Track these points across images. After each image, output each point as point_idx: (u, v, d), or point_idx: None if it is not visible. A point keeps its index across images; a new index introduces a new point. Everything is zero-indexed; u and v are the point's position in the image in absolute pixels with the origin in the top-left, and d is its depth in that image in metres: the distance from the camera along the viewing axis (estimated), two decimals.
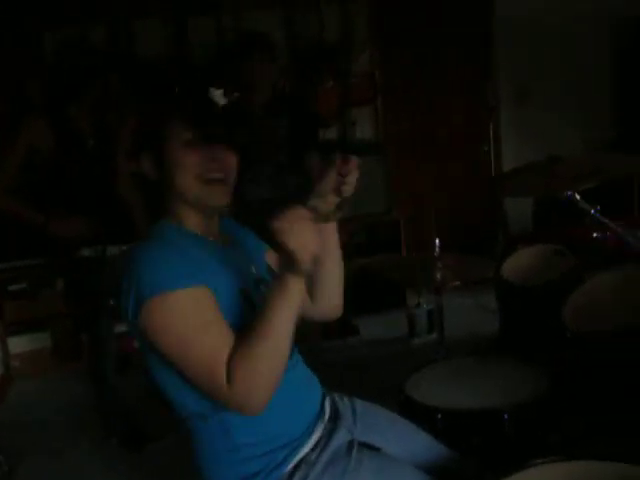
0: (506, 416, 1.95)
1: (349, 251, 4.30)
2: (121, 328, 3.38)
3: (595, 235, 2.59)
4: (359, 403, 1.88)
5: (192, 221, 1.66)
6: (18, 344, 4.68)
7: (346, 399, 1.87)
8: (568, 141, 5.25)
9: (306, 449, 1.65)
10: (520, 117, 5.70)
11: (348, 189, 1.69)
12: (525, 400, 2.00)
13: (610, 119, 5.84)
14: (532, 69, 5.61)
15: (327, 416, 1.76)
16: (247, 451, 1.59)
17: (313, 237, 1.46)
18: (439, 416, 2.00)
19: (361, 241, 4.94)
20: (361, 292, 4.26)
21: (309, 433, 1.67)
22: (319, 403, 1.76)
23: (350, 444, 1.71)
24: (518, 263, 2.69)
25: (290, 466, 1.62)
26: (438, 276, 2.43)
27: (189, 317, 1.47)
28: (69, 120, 3.26)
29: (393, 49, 5.46)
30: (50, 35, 4.59)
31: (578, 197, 2.43)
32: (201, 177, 1.62)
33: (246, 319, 1.55)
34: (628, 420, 1.94)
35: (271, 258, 1.85)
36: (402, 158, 5.46)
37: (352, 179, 1.68)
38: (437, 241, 2.50)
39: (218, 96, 1.67)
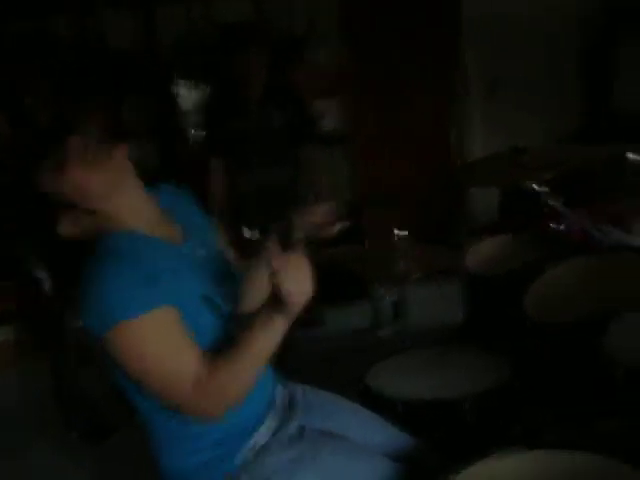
0: (466, 406, 1.95)
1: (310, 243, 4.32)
2: None
3: (558, 226, 2.59)
4: (319, 393, 1.89)
5: (133, 220, 1.58)
6: None
7: (304, 389, 1.88)
8: (534, 133, 5.27)
9: (258, 437, 1.66)
10: (487, 110, 5.71)
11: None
12: (485, 389, 2.00)
13: (576, 112, 5.87)
14: (499, 62, 5.62)
15: (280, 405, 1.76)
16: (199, 441, 1.61)
17: (310, 285, 1.45)
18: (400, 407, 2.00)
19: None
20: (326, 283, 4.23)
21: (261, 421, 1.68)
22: (271, 392, 1.76)
23: (302, 430, 1.72)
24: (481, 253, 2.69)
25: (245, 453, 1.63)
26: (401, 267, 2.42)
27: (153, 342, 1.46)
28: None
29: (360, 40, 5.44)
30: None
31: (542, 188, 2.44)
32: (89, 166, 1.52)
33: (211, 323, 1.58)
34: (585, 410, 1.95)
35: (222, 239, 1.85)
36: (368, 149, 5.45)
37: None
38: (399, 232, 2.48)
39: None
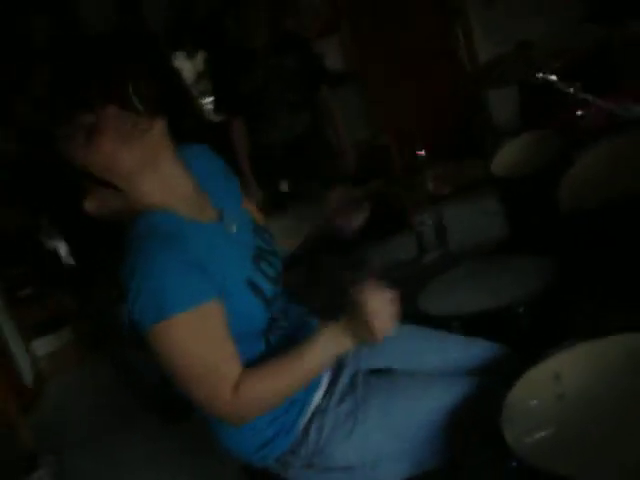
0: (521, 310, 1.94)
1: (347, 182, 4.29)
2: None
3: (580, 113, 2.53)
4: None
5: (169, 199, 1.49)
6: (41, 346, 4.71)
7: None
8: (541, 26, 5.13)
9: (316, 400, 1.64)
10: (490, 16, 5.56)
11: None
12: (536, 290, 1.98)
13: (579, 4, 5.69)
14: None
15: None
16: (257, 421, 1.56)
17: (393, 324, 1.46)
18: (455, 323, 1.98)
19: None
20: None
21: (318, 381, 1.65)
22: None
23: (355, 377, 1.69)
24: (506, 157, 2.63)
25: (303, 422, 1.61)
26: (430, 188, 2.40)
27: (200, 339, 1.41)
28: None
29: None
30: None
31: (555, 78, 2.38)
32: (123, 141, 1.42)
33: (256, 309, 1.53)
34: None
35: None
36: (377, 82, 5.38)
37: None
38: (423, 153, 2.46)
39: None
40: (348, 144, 3.82)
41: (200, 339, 1.40)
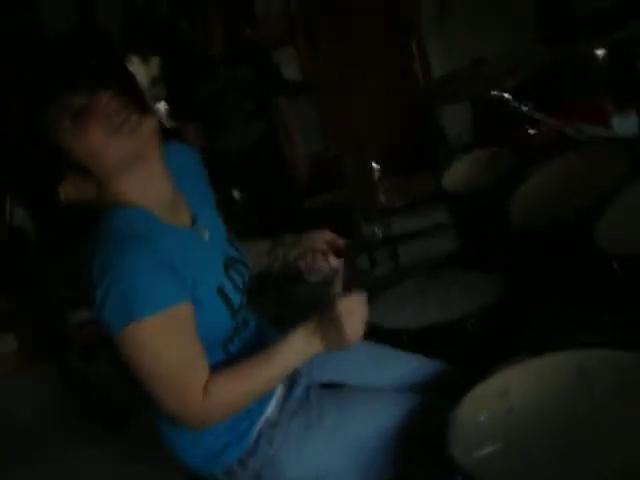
0: (469, 324, 1.95)
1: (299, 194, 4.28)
2: (82, 316, 3.34)
3: (531, 131, 2.56)
4: None
5: (148, 199, 1.45)
6: None
7: None
8: (495, 45, 5.21)
9: (269, 411, 1.61)
10: (443, 30, 5.63)
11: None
12: (485, 305, 1.99)
13: (534, 17, 5.79)
14: None
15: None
16: (210, 429, 1.53)
17: (363, 329, 1.47)
18: (404, 337, 1.99)
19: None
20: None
21: (270, 394, 1.62)
22: None
23: (309, 390, 1.68)
24: (458, 172, 2.66)
25: (255, 433, 1.59)
26: (382, 200, 2.41)
27: (172, 342, 1.37)
28: None
29: None
30: None
31: (507, 95, 2.41)
32: (113, 131, 1.35)
33: (222, 316, 1.51)
34: (588, 308, 1.95)
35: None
36: (332, 93, 5.39)
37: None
38: (375, 166, 2.47)
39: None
40: (302, 155, 3.81)
41: (170, 342, 1.37)
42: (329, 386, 1.75)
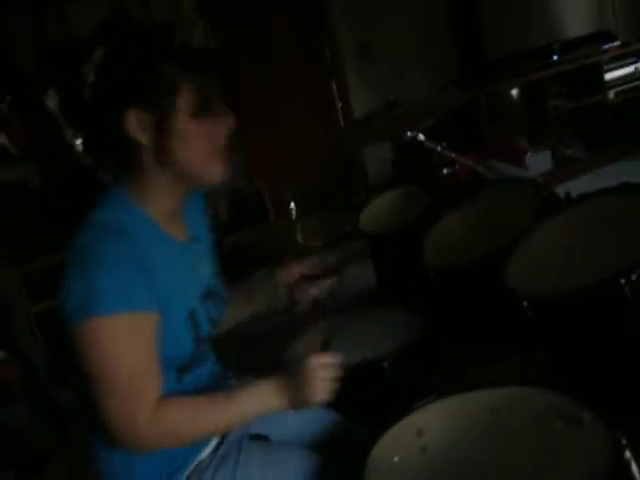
0: (385, 364, 1.95)
1: (218, 230, 4.24)
2: None
3: (445, 170, 2.62)
4: None
5: (159, 207, 1.48)
6: None
7: None
8: (415, 87, 5.33)
9: (202, 455, 1.58)
10: (365, 71, 5.74)
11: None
12: (401, 345, 2.00)
13: (452, 61, 5.95)
14: (371, 22, 5.64)
15: None
16: (144, 466, 1.50)
17: (330, 387, 1.49)
18: None
19: (225, 218, 4.89)
20: (237, 270, 4.21)
21: (206, 441, 1.59)
22: None
23: (241, 440, 1.65)
24: (375, 211, 2.69)
25: (184, 476, 1.55)
26: (300, 239, 2.41)
27: (127, 344, 1.34)
28: None
29: (226, 20, 5.36)
30: None
31: (421, 137, 2.46)
32: (212, 152, 1.45)
33: (185, 340, 1.48)
34: (500, 347, 1.99)
35: None
36: (253, 130, 5.41)
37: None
38: (293, 204, 2.48)
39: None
40: (219, 191, 3.76)
41: (129, 346, 1.34)
42: (256, 438, 1.72)
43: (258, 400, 1.48)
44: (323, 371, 1.48)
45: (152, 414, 1.36)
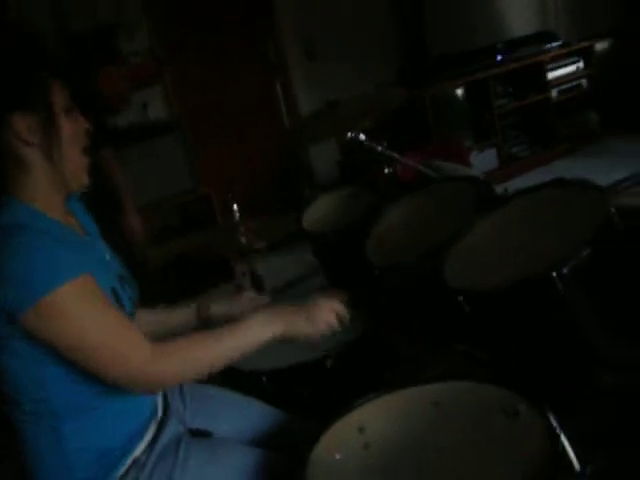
0: (329, 363, 1.96)
1: (165, 235, 4.21)
2: None
3: (387, 170, 2.64)
4: (187, 387, 1.82)
5: (53, 204, 1.50)
6: None
7: (176, 388, 1.80)
8: (359, 85, 5.36)
9: (137, 452, 1.57)
10: (310, 71, 5.76)
11: None
12: (345, 343, 2.01)
13: (395, 60, 6.00)
14: (315, 23, 5.66)
15: (160, 412, 1.68)
16: (77, 457, 1.50)
17: (335, 319, 1.61)
18: (264, 379, 1.98)
19: (175, 223, 4.85)
20: (187, 274, 4.19)
21: (142, 434, 1.59)
22: (153, 400, 1.68)
23: (178, 435, 1.65)
24: (318, 211, 2.70)
25: (120, 472, 1.54)
26: (243, 241, 2.42)
27: (90, 304, 1.37)
28: None
29: (171, 22, 5.34)
30: None
31: (362, 136, 2.48)
32: (84, 150, 1.53)
33: None
34: (442, 342, 2.01)
35: None
36: (200, 132, 5.39)
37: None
38: (235, 207, 2.48)
39: None
40: (131, 204, 3.59)
41: (93, 307, 1.37)
42: (198, 433, 1.73)
43: (252, 330, 1.52)
44: (329, 305, 1.59)
45: (154, 351, 1.41)
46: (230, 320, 1.77)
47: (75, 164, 1.52)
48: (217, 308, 1.93)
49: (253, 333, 1.52)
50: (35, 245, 1.34)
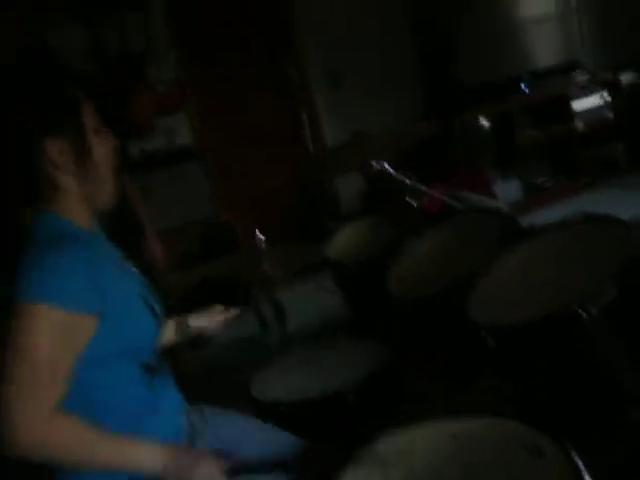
0: (350, 396, 1.94)
1: (187, 262, 4.22)
2: None
3: (412, 201, 2.64)
4: (211, 413, 1.81)
5: (86, 220, 1.55)
6: None
7: (199, 412, 1.78)
8: (384, 118, 5.38)
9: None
10: (336, 101, 5.78)
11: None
12: (367, 375, 1.99)
13: (420, 94, 6.01)
14: (341, 54, 5.70)
15: (184, 437, 1.66)
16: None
17: None
18: (284, 409, 1.97)
19: (196, 249, 4.87)
20: (207, 299, 4.20)
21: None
22: (180, 424, 1.67)
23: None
24: (342, 242, 2.71)
25: None
26: (266, 270, 2.42)
27: (58, 340, 1.35)
28: None
29: (198, 52, 5.40)
30: None
31: (388, 167, 2.48)
32: (114, 169, 1.57)
33: (147, 319, 1.54)
34: (465, 376, 1.99)
35: None
36: (223, 159, 5.42)
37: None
38: (261, 236, 2.48)
39: None
40: (151, 230, 3.60)
41: (58, 344, 1.35)
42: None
43: (144, 454, 1.45)
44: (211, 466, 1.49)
45: (51, 418, 1.35)
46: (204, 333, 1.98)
47: (108, 183, 1.56)
48: (195, 322, 1.98)
49: (140, 458, 1.45)
50: (74, 261, 1.38)
